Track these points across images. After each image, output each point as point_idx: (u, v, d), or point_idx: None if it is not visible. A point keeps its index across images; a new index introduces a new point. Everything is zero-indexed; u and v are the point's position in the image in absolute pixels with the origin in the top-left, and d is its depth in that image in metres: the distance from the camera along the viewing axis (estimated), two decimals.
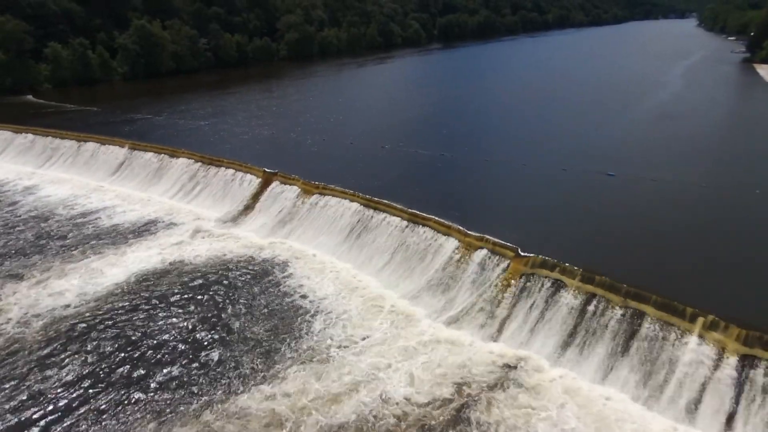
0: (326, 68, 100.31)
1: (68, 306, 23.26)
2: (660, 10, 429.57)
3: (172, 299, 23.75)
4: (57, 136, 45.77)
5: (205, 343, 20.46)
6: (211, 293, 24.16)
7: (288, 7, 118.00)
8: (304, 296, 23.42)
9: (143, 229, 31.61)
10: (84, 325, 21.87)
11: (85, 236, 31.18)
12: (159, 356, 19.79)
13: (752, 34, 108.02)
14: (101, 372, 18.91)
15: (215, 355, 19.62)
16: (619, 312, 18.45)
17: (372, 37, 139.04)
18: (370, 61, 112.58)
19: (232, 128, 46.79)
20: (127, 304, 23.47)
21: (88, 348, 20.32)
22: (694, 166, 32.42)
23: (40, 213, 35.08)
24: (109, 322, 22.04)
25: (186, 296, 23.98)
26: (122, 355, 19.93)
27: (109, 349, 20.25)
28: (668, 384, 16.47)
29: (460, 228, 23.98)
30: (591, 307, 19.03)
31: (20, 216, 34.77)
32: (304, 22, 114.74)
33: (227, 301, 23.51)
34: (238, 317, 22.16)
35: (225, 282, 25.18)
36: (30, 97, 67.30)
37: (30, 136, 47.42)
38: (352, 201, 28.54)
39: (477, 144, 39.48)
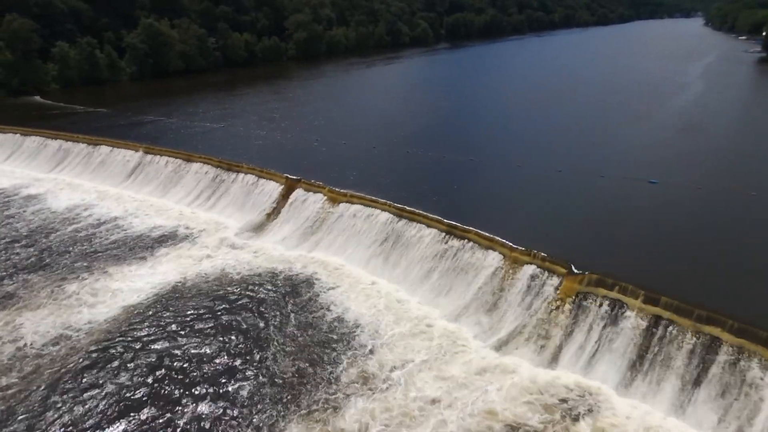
0: (335, 68, 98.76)
1: (79, 330, 21.49)
2: (665, 9, 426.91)
3: (196, 322, 22.01)
4: (67, 139, 44.34)
5: (235, 374, 18.66)
6: (238, 314, 22.45)
7: (296, 5, 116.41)
8: (338, 316, 21.84)
9: (161, 240, 30.09)
10: (96, 354, 19.97)
11: (99, 248, 29.51)
12: (182, 390, 17.98)
13: (765, 33, 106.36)
14: (115, 409, 17.15)
15: (245, 390, 17.86)
16: (690, 337, 16.94)
17: (380, 36, 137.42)
18: (378, 61, 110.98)
19: (246, 131, 45.34)
20: (145, 327, 21.70)
21: (101, 380, 18.54)
22: (739, 173, 30.89)
23: (49, 222, 33.40)
24: (124, 351, 20.17)
25: (211, 318, 22.23)
26: (140, 390, 18.01)
27: (124, 381, 18.41)
28: (755, 422, 14.97)
29: (504, 241, 22.49)
30: (658, 332, 17.53)
31: (29, 226, 33.03)
32: (312, 21, 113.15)
33: (256, 323, 21.78)
34: (269, 342, 20.46)
35: (252, 301, 23.52)
36: (37, 97, 65.86)
37: (39, 139, 45.98)
38: (382, 210, 27.03)
39: (504, 148, 38.02)
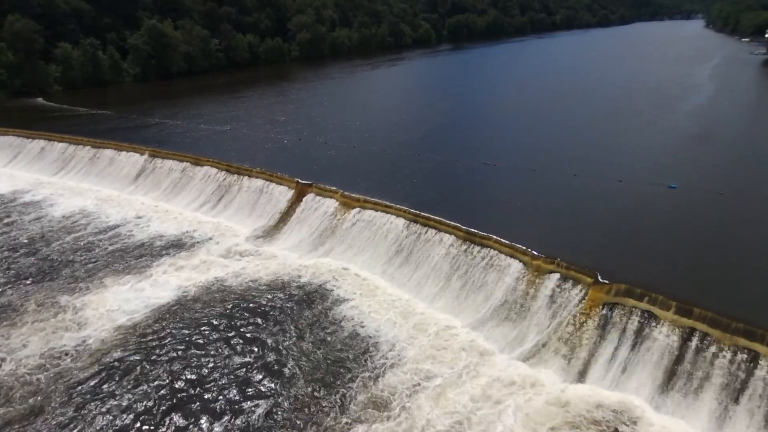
0: (339, 70, 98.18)
1: (85, 344, 20.53)
2: (665, 11, 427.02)
3: (208, 334, 21.15)
4: (71, 142, 43.68)
5: (248, 395, 17.71)
6: (250, 327, 21.59)
7: (299, 6, 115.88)
8: (356, 327, 21.10)
9: (170, 247, 29.33)
10: (104, 369, 19.05)
11: (103, 257, 28.48)
12: (195, 408, 17.13)
13: None
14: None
15: (262, 408, 17.00)
16: (726, 351, 16.28)
17: (383, 37, 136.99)
18: (382, 62, 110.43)
19: (253, 134, 44.68)
20: (150, 341, 20.69)
21: (105, 395, 17.72)
22: (759, 178, 30.25)
23: (51, 229, 32.44)
24: (132, 366, 19.14)
25: (222, 331, 21.34)
26: (149, 411, 17.03)
27: (131, 401, 17.48)
28: None
29: (526, 249, 21.83)
30: (692, 345, 16.87)
31: (30, 233, 31.95)
32: (315, 22, 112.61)
33: (270, 337, 20.88)
34: (286, 356, 19.62)
35: (265, 312, 22.66)
36: (40, 99, 65.22)
37: (42, 142, 45.33)
38: (397, 216, 26.37)
39: (517, 151, 37.37)
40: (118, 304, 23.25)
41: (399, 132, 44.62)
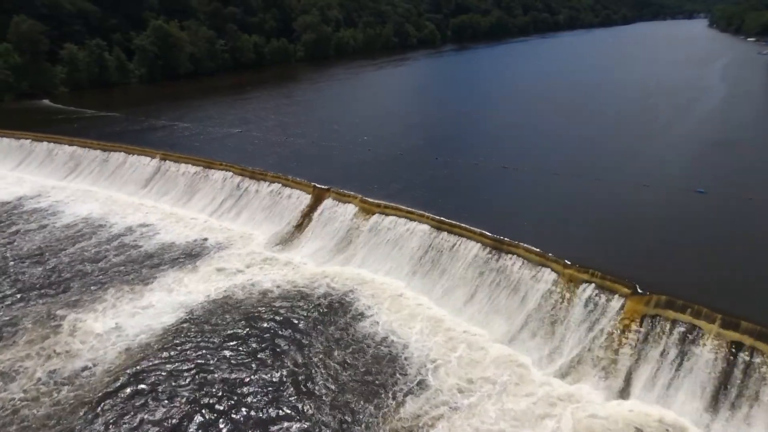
0: (345, 71, 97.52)
1: (88, 369, 19.06)
2: (667, 11, 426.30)
3: (226, 350, 20.02)
4: (81, 145, 43.02)
5: (275, 415, 16.86)
6: (273, 342, 20.62)
7: (304, 7, 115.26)
8: (384, 342, 20.29)
9: (183, 255, 28.51)
10: (109, 398, 17.58)
11: (115, 265, 27.48)
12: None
13: None
14: None
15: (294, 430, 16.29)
16: None
17: (388, 37, 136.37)
18: (387, 62, 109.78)
19: (264, 137, 44.00)
20: (167, 361, 19.53)
21: (124, 417, 16.72)
22: None
23: (61, 237, 31.47)
24: (143, 393, 17.84)
25: (242, 345, 20.31)
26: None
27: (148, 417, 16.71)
28: None
29: (557, 257, 21.14)
30: (740, 360, 16.19)
31: (41, 242, 30.85)
32: (320, 22, 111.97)
33: (295, 352, 19.87)
34: (311, 376, 18.55)
35: (288, 324, 21.77)
36: (47, 101, 64.60)
37: (51, 145, 44.66)
38: (420, 222, 25.68)
39: (535, 154, 36.53)
40: (126, 322, 21.94)
41: (412, 134, 43.96)
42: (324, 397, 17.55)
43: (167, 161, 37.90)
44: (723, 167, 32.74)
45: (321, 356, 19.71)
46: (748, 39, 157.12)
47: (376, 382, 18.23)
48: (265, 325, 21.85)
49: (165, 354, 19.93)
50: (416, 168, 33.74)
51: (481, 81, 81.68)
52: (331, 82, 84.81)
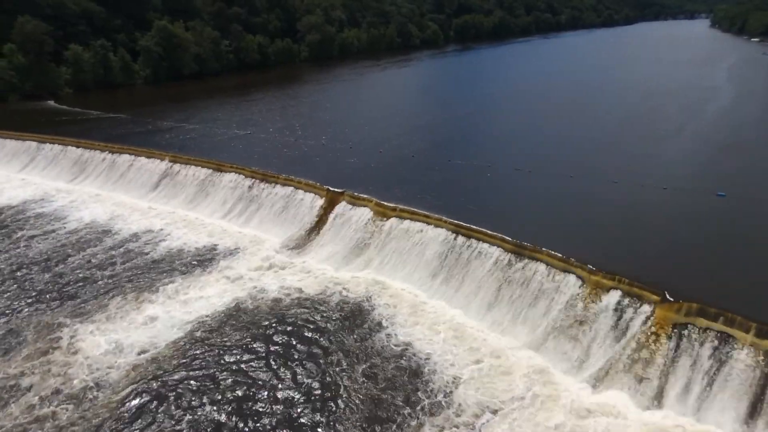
0: (350, 71, 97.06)
1: (95, 387, 18.10)
2: (668, 11, 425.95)
3: (244, 362, 19.47)
4: (87, 147, 42.57)
5: (302, 426, 16.47)
6: (291, 352, 20.12)
7: (307, 7, 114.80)
8: (406, 351, 19.78)
9: (196, 260, 28.03)
10: (118, 419, 16.83)
11: (126, 271, 26.85)
12: None
13: None
14: None
15: None
16: None
17: (391, 38, 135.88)
18: (392, 63, 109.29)
19: (273, 138, 43.55)
20: (180, 376, 18.76)
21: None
22: None
23: (67, 242, 30.69)
24: (152, 411, 17.09)
25: (258, 358, 19.72)
26: None
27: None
28: None
29: (581, 263, 20.69)
30: None
31: (47, 248, 30.01)
32: (324, 22, 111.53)
33: (315, 363, 19.37)
34: (331, 388, 17.94)
35: (305, 335, 21.14)
36: (51, 102, 64.16)
37: (57, 147, 44.21)
38: (437, 227, 25.23)
39: (548, 157, 35.96)
40: (135, 335, 21.07)
41: (422, 135, 43.52)
42: (342, 417, 16.89)
43: (176, 164, 37.43)
44: (740, 170, 32.30)
45: (339, 370, 19.09)
46: (752, 39, 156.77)
47: (401, 397, 17.58)
48: (280, 337, 21.23)
49: (175, 368, 19.17)
50: (429, 170, 33.29)
51: (486, 82, 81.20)
52: (336, 83, 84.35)
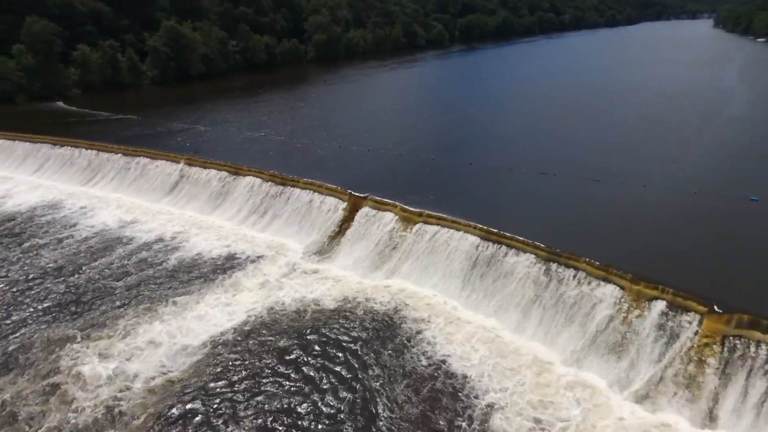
0: (357, 72, 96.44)
1: (109, 411, 17.12)
2: (671, 11, 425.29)
3: (268, 379, 18.70)
4: (101, 150, 41.98)
5: None
6: (321, 366, 19.25)
7: (314, 7, 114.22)
8: (441, 364, 19.08)
9: (216, 268, 27.18)
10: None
11: (145, 281, 25.87)
12: None
13: None
14: None
15: None
16: None
17: (397, 38, 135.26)
18: (398, 63, 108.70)
19: (287, 140, 42.93)
20: (209, 388, 18.07)
21: None
22: None
23: (82, 250, 29.67)
24: (181, 425, 16.55)
25: (287, 374, 18.96)
26: None
27: None
28: None
29: (621, 272, 20.09)
30: None
31: (59, 256, 29.06)
32: (330, 22, 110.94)
33: (345, 378, 18.54)
34: (365, 407, 17.19)
35: (335, 351, 20.21)
36: (60, 103, 63.56)
37: (70, 149, 43.60)
38: (467, 233, 24.64)
39: (571, 160, 35.26)
40: (155, 353, 20.00)
41: (439, 137, 43.00)
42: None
43: (192, 167, 36.84)
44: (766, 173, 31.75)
45: (375, 384, 18.41)
46: (758, 40, 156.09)
47: (440, 417, 16.90)
48: (312, 349, 20.44)
49: (201, 387, 18.38)
50: (450, 173, 32.66)
51: (496, 82, 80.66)
52: (344, 83, 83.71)
